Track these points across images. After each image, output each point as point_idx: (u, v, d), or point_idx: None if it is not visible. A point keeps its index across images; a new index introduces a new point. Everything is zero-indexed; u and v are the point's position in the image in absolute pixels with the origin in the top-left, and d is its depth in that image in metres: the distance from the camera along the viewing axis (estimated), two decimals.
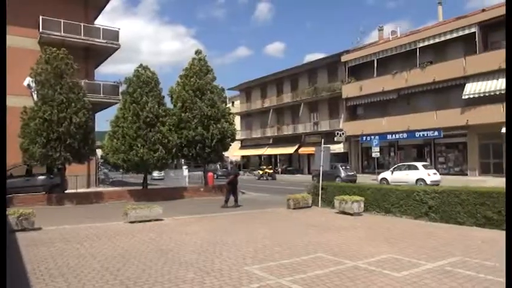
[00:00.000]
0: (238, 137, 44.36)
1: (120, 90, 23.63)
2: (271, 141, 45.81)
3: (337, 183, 17.61)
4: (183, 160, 25.87)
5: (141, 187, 19.86)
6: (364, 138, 32.95)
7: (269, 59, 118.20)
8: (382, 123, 31.58)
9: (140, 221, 11.07)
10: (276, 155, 46.25)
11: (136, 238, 8.87)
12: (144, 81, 18.45)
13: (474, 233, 9.06)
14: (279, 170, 43.06)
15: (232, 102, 57.66)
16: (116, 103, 23.36)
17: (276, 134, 44.94)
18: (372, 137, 29.25)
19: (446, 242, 8.04)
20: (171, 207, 14.87)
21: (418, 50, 29.32)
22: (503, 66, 24.36)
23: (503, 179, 21.20)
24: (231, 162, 44.96)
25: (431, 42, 28.77)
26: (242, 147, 51.00)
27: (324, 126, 38.34)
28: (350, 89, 34.77)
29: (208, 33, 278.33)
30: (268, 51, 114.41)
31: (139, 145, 17.45)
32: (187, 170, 26.53)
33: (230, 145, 21.42)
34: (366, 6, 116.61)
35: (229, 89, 51.20)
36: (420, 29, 32.53)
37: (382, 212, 12.26)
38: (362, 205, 12.33)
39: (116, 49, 26.10)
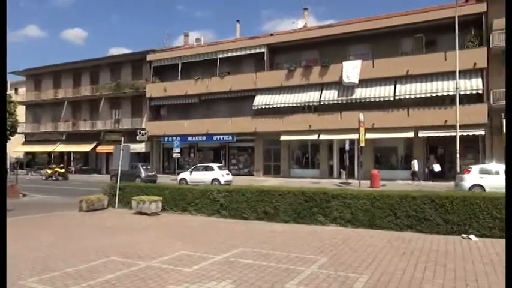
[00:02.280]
0: (21, 129, 38.06)
1: None
2: (64, 137, 41.07)
3: (136, 183, 17.26)
4: None
5: None
6: (166, 139, 33.42)
7: (67, 45, 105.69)
8: (184, 126, 32.75)
9: None
10: (69, 153, 41.74)
11: None
12: None
13: (255, 226, 10.45)
14: (73, 169, 39.02)
15: (16, 89, 49.11)
16: None
17: (70, 129, 40.57)
18: (174, 138, 29.97)
19: (232, 236, 9.00)
20: None
21: (218, 60, 31.80)
22: (284, 84, 29.11)
23: (282, 179, 24.86)
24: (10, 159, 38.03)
25: (230, 55, 31.70)
26: (27, 142, 43.90)
27: (126, 124, 36.95)
28: (154, 89, 34.70)
29: None
30: (66, 37, 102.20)
31: None
32: None
33: (9, 139, 18.14)
34: (175, 11, 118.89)
35: (11, 73, 43.40)
36: (221, 41, 35.38)
37: (179, 211, 12.71)
38: (160, 205, 12.49)
39: None
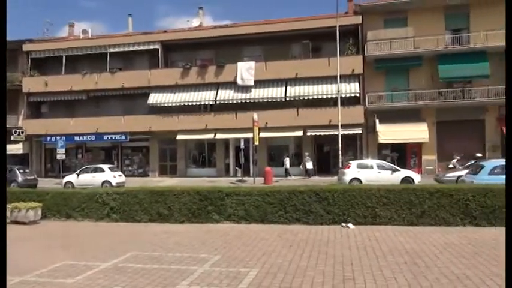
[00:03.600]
0: None
1: None
2: None
3: (11, 188, 15.29)
4: None
5: None
6: (49, 138, 30.22)
7: None
8: (70, 124, 30.05)
9: None
10: None
11: None
12: None
13: (148, 228, 10.11)
14: None
15: None
16: None
17: None
18: (58, 137, 27.26)
19: (123, 240, 8.58)
20: None
21: (108, 54, 29.87)
22: (180, 82, 28.66)
23: (178, 179, 24.45)
24: None
25: (121, 49, 30.01)
26: None
27: None
28: (33, 83, 31.10)
29: None
30: None
31: None
32: None
33: None
34: None
35: None
36: (112, 35, 33.29)
37: (63, 217, 11.64)
38: (39, 212, 11.29)
39: None
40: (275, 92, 26.99)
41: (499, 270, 5.68)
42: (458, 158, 23.31)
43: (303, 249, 7.33)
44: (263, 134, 25.27)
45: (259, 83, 27.30)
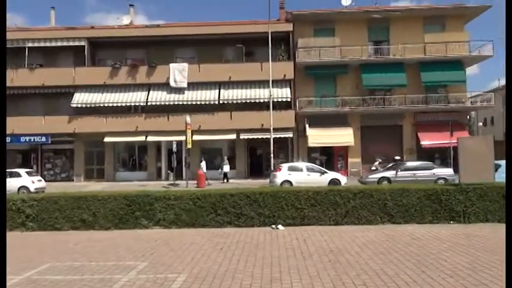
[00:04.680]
0: None
1: None
2: None
3: None
4: None
5: None
6: None
7: None
8: None
9: None
10: None
11: None
12: None
13: (70, 236, 9.44)
14: None
15: None
16: None
17: None
18: None
19: (40, 251, 7.93)
20: None
21: (27, 49, 27.57)
22: (108, 82, 27.31)
23: (106, 183, 23.21)
24: None
25: (43, 44, 27.86)
26: None
27: None
28: None
29: None
30: None
31: None
32: None
33: None
34: None
35: None
36: (32, 28, 30.79)
37: None
38: None
39: None
40: (208, 95, 26.88)
41: (412, 265, 6.18)
42: (380, 160, 25.04)
43: (233, 252, 7.36)
44: (196, 137, 25.00)
45: (192, 85, 27.00)
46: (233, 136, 26.32)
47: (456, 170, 11.43)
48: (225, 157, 25.74)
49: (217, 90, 26.99)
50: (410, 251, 7.05)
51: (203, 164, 23.73)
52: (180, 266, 6.43)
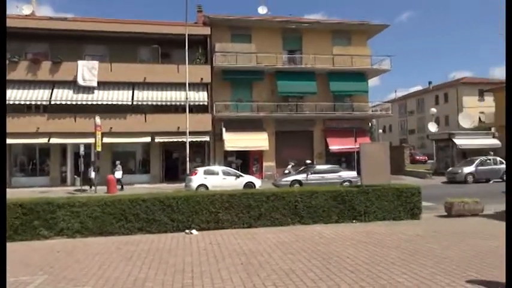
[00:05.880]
0: None
1: None
2: None
3: None
4: None
5: None
6: None
7: None
8: None
9: None
10: None
11: None
12: None
13: None
14: None
15: None
16: None
17: None
18: None
19: None
20: None
21: None
22: None
23: None
24: None
25: None
26: None
27: None
28: None
29: None
30: None
31: None
32: None
33: None
34: None
35: None
36: None
37: None
38: None
39: None
40: (121, 96, 25.61)
41: (319, 263, 6.56)
42: (293, 164, 26.17)
43: (143, 260, 7.08)
44: (107, 140, 23.61)
45: (103, 85, 25.50)
46: (148, 139, 25.40)
47: (359, 173, 12.43)
48: (117, 162, 23.33)
49: (130, 91, 25.83)
50: (318, 250, 7.48)
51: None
52: (85, 278, 6.00)
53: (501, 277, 5.47)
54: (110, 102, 25.28)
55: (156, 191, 12.67)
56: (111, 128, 24.37)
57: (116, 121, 24.95)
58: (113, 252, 7.75)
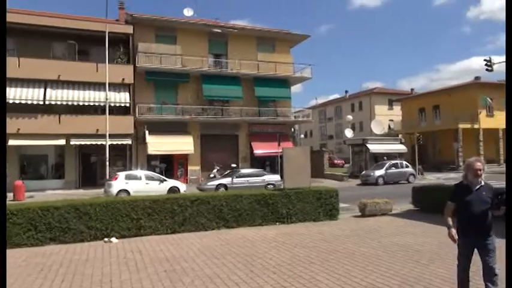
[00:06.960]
0: None
1: None
2: None
3: None
4: None
5: None
6: None
7: None
8: None
9: None
10: None
11: None
12: None
13: None
14: None
15: None
16: None
17: None
18: None
19: None
20: None
21: None
22: None
23: None
24: None
25: None
26: None
27: None
28: None
29: None
30: None
31: None
32: None
33: None
34: None
35: None
36: None
37: None
38: None
39: None
40: (31, 94, 23.44)
41: (243, 266, 6.64)
42: (218, 168, 26.17)
43: (56, 272, 6.55)
44: (13, 142, 21.47)
45: (9, 81, 23.07)
46: (62, 142, 23.55)
47: (283, 176, 12.83)
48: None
49: (42, 90, 23.74)
50: (242, 253, 7.56)
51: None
52: None
53: (411, 271, 6.05)
54: (17, 101, 22.95)
55: (71, 198, 11.79)
56: (18, 129, 22.19)
57: (24, 121, 22.78)
58: (19, 265, 7.05)
